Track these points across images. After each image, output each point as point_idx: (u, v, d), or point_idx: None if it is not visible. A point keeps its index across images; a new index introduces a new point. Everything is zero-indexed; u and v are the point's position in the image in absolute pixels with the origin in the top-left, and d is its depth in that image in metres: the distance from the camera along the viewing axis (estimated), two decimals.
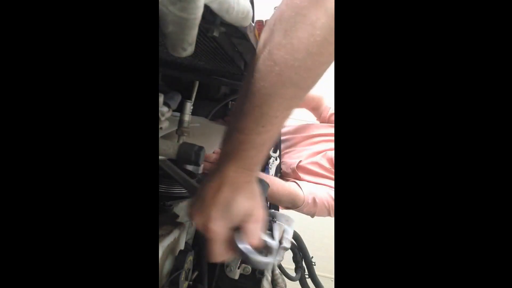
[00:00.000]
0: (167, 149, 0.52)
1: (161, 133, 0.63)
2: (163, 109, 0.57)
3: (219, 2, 0.30)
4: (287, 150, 1.38)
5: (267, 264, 0.49)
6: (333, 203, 1.15)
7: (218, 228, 0.45)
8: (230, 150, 0.44)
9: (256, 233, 0.47)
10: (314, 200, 1.15)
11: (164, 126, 0.60)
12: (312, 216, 1.22)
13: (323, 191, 1.18)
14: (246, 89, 0.42)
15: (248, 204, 0.46)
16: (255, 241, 0.47)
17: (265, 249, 0.50)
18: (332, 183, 1.20)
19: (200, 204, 0.46)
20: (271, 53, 0.39)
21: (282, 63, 0.38)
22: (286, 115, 0.43)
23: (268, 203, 1.24)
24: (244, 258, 0.47)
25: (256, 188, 0.48)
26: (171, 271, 0.53)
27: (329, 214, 1.19)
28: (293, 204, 1.16)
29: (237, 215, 0.46)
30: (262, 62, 0.40)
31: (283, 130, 1.42)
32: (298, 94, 0.41)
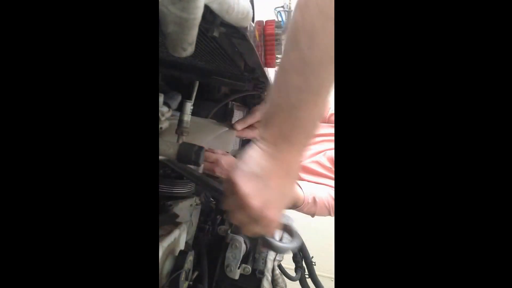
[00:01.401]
0: (167, 149, 0.52)
1: (161, 133, 0.63)
2: (163, 109, 0.57)
3: (219, 2, 0.30)
4: None
5: (294, 248, 0.51)
6: (333, 202, 1.16)
7: (278, 218, 0.44)
8: (288, 131, 0.40)
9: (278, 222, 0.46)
10: (314, 199, 1.15)
11: (164, 126, 0.60)
12: (313, 215, 1.22)
13: (324, 190, 1.18)
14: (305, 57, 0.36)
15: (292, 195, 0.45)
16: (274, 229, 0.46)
17: (286, 232, 0.52)
18: (332, 182, 1.20)
19: (262, 190, 0.42)
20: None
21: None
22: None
23: None
24: (267, 246, 0.48)
25: None
26: (171, 271, 0.53)
27: (329, 214, 1.19)
28: (293, 204, 1.16)
29: (287, 206, 0.45)
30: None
31: None
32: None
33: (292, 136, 0.41)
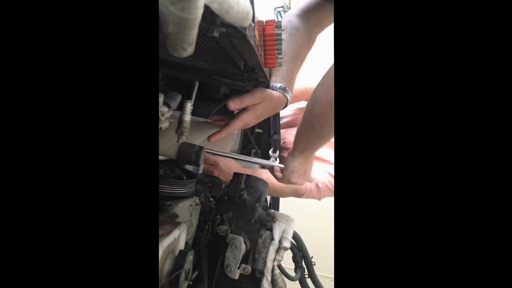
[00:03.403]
0: (167, 149, 0.52)
1: (161, 133, 0.63)
2: (163, 109, 0.57)
3: (219, 2, 0.30)
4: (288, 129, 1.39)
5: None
6: (333, 180, 1.17)
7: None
8: (311, 153, 0.88)
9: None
10: (316, 185, 1.16)
11: (164, 126, 0.60)
12: (319, 199, 1.23)
13: (322, 172, 1.18)
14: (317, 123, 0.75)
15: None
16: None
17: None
18: (328, 152, 1.21)
19: (308, 179, 0.95)
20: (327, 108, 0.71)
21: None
22: None
23: (269, 202, 1.24)
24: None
25: None
26: (171, 271, 0.53)
27: (333, 193, 1.20)
28: (296, 194, 1.17)
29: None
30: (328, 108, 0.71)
31: (284, 113, 1.42)
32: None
33: (311, 153, 0.88)
